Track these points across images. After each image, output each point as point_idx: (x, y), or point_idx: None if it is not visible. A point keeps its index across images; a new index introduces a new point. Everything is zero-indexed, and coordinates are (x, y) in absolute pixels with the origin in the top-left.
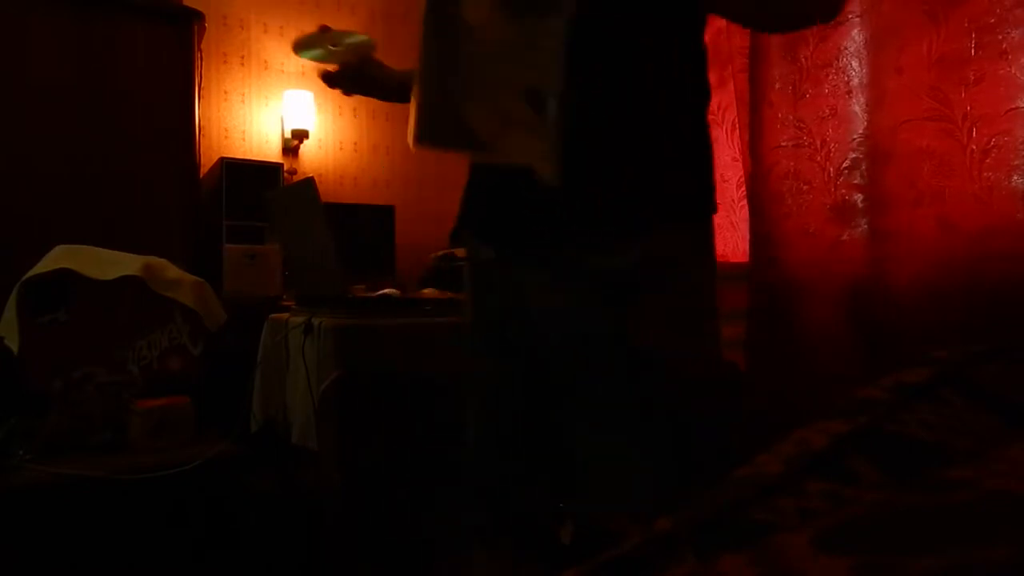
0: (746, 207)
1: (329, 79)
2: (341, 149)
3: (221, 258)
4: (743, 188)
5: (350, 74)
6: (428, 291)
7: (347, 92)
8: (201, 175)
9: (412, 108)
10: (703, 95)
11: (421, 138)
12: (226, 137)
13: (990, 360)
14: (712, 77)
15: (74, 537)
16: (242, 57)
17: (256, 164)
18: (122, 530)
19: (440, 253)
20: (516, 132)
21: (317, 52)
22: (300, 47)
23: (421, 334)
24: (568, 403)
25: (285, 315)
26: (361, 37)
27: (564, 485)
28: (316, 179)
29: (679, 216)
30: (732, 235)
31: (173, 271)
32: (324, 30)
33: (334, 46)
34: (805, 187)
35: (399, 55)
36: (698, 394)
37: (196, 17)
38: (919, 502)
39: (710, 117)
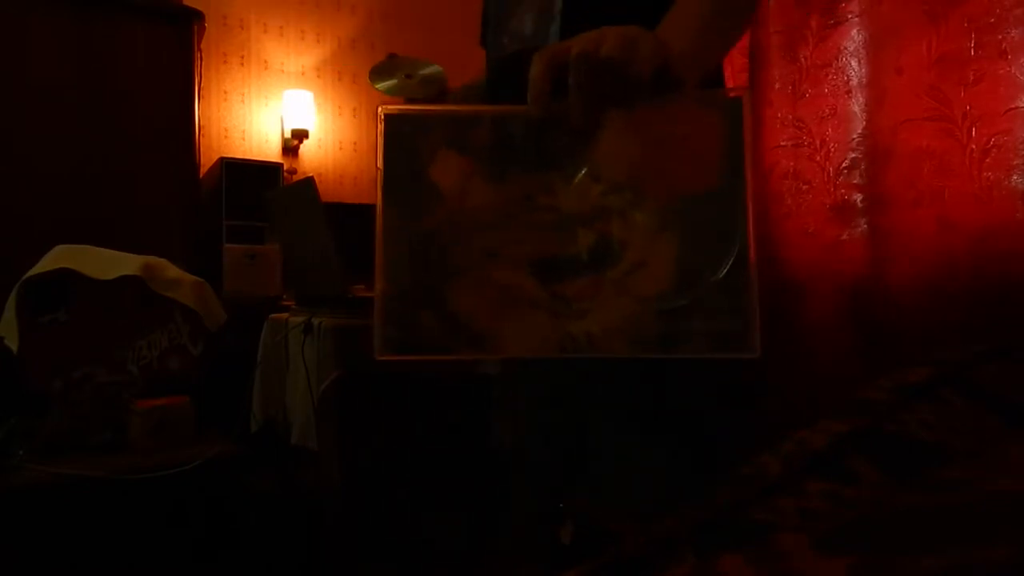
0: None
1: None
2: (341, 149)
3: (221, 258)
4: None
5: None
6: None
7: None
8: (201, 175)
9: (377, 308)
10: None
11: (387, 348)
12: (226, 137)
13: (990, 360)
14: None
15: (74, 537)
16: (242, 57)
17: (256, 164)
18: (122, 530)
19: None
20: (518, 314)
21: (392, 83)
22: (375, 76)
23: None
24: (593, 403)
25: (285, 315)
26: (434, 67)
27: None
28: (316, 179)
29: None
30: None
31: (173, 271)
32: (392, 57)
33: (408, 76)
34: (805, 187)
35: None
36: (719, 393)
37: (196, 17)
38: (919, 502)
39: None
